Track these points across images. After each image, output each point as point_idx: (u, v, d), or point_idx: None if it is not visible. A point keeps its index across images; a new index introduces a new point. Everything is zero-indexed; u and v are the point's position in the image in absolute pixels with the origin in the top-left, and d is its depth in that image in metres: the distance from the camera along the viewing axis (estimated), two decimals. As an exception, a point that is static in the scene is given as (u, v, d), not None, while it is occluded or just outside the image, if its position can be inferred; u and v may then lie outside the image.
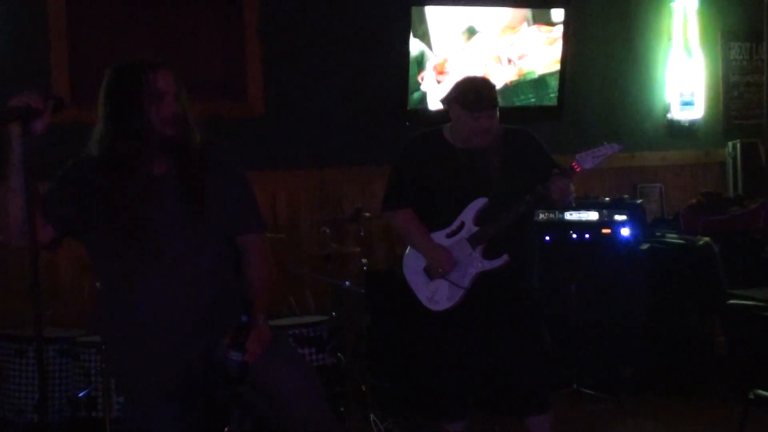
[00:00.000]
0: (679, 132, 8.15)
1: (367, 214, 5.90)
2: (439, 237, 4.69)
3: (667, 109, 8.10)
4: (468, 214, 4.66)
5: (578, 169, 4.57)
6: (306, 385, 3.72)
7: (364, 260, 5.86)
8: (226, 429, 4.27)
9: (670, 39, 8.06)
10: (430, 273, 4.71)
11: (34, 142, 3.31)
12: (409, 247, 4.84)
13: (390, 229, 6.73)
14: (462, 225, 4.67)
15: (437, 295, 4.70)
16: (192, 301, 3.55)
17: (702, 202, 7.48)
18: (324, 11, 6.89)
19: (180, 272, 3.54)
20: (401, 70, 6.95)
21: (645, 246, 6.55)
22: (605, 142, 4.65)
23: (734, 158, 8.19)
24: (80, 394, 5.20)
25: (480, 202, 4.64)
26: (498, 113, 4.63)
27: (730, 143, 8.24)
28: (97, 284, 4.88)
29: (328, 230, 6.09)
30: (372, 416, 5.62)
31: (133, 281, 3.56)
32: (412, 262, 4.79)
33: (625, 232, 6.46)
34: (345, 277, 5.91)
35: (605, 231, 6.49)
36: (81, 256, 5.85)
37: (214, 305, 3.59)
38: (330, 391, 5.30)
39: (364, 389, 5.74)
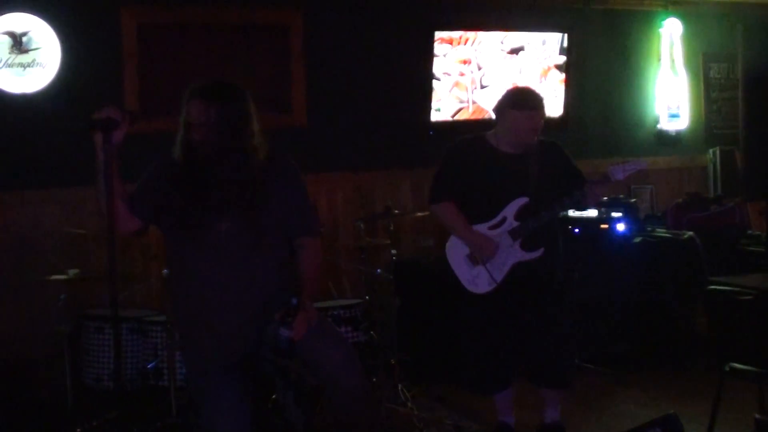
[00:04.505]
0: (666, 140, 8.11)
1: (396, 211, 5.88)
2: (482, 228, 4.68)
3: (656, 121, 8.06)
4: (510, 211, 4.64)
5: (612, 180, 4.59)
6: (345, 358, 3.75)
7: (393, 251, 5.83)
8: (273, 397, 4.31)
9: (659, 60, 8.02)
10: (473, 260, 4.69)
11: (114, 150, 3.34)
12: (452, 236, 4.80)
13: (418, 223, 6.75)
14: (504, 219, 4.65)
15: (478, 280, 4.68)
16: (249, 289, 3.56)
17: (687, 201, 7.46)
18: (359, 36, 6.88)
19: (236, 264, 3.55)
20: (425, 87, 6.94)
21: (638, 239, 6.55)
22: (634, 158, 4.72)
23: (714, 163, 8.14)
24: (149, 366, 5.21)
25: (522, 201, 4.63)
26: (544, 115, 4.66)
27: (710, 150, 8.19)
28: (164, 271, 4.95)
29: (362, 225, 6.09)
30: (400, 386, 5.64)
31: (195, 270, 3.58)
32: (456, 250, 4.76)
33: (620, 227, 6.47)
34: (377, 266, 5.93)
35: (604, 226, 6.49)
36: (149, 249, 5.92)
37: (270, 293, 3.59)
38: (363, 364, 5.27)
39: (393, 362, 5.73)
